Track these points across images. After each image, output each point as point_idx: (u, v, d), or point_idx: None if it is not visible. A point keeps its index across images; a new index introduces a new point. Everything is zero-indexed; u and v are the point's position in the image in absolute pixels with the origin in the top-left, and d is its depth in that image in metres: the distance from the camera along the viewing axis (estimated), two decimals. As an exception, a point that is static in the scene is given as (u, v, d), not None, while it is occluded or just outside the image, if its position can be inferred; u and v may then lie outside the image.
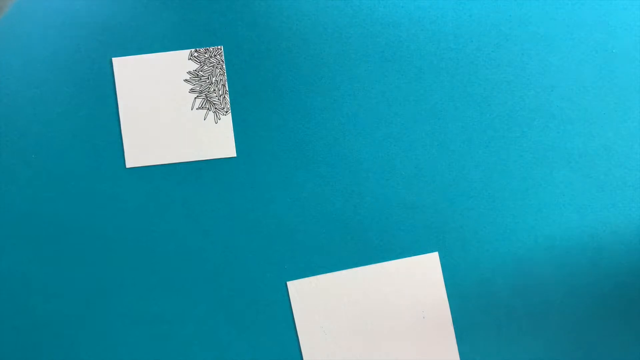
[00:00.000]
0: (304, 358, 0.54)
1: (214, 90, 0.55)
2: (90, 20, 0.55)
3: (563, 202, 0.55)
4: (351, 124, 0.55)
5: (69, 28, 0.55)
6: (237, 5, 0.55)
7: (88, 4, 0.55)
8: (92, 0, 0.55)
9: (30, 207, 0.54)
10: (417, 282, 0.54)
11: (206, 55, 0.55)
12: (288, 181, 0.55)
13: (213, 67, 0.55)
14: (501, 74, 0.55)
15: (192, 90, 0.55)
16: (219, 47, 0.55)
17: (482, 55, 0.55)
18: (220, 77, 0.55)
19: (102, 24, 0.55)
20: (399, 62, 0.55)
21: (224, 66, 0.55)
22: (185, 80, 0.55)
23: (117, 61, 0.55)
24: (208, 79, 0.55)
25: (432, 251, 0.54)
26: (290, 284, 0.54)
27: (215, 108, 0.55)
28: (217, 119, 0.55)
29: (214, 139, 0.55)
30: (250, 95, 0.55)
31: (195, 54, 0.55)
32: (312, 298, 0.54)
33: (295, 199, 0.55)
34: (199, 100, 0.55)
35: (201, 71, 0.55)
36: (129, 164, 0.55)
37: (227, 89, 0.55)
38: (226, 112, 0.55)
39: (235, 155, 0.55)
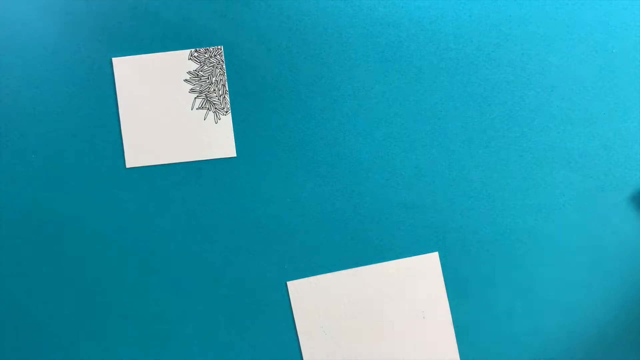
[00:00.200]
0: (304, 358, 0.54)
1: (214, 90, 0.55)
2: (90, 20, 0.55)
3: (563, 202, 0.55)
4: (351, 124, 0.55)
5: (69, 28, 0.55)
6: (237, 5, 0.55)
7: (88, 4, 0.55)
8: (92, 0, 0.55)
9: (30, 207, 0.54)
10: (417, 282, 0.54)
11: (206, 55, 0.55)
12: (288, 181, 0.55)
13: (213, 67, 0.55)
14: (501, 74, 0.55)
15: (192, 90, 0.55)
16: (219, 47, 0.55)
17: (482, 55, 0.55)
18: (220, 77, 0.55)
19: (102, 24, 0.55)
20: (399, 62, 0.55)
21: (224, 66, 0.55)
22: (185, 80, 0.55)
23: (117, 61, 0.55)
24: (208, 79, 0.55)
25: (432, 251, 0.54)
26: (290, 284, 0.54)
27: (215, 108, 0.55)
28: (217, 119, 0.55)
29: (214, 139, 0.55)
30: (250, 95, 0.55)
31: (195, 54, 0.55)
32: (312, 298, 0.54)
33: (295, 199, 0.55)
34: (199, 100, 0.55)
35: (201, 71, 0.55)
36: (129, 164, 0.55)
37: (227, 89, 0.55)
38: (226, 112, 0.55)
39: (235, 155, 0.55)
